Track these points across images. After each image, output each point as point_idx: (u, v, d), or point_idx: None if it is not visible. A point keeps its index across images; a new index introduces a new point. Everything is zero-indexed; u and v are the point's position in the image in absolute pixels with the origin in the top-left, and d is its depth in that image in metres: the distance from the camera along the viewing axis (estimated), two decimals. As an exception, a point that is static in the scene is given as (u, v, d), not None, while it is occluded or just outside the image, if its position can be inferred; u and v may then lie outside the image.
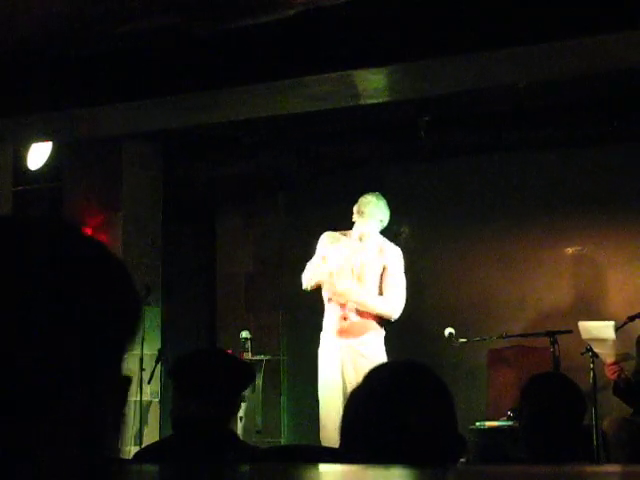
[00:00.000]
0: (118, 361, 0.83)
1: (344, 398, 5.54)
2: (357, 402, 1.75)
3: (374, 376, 1.79)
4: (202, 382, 2.81)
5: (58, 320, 0.77)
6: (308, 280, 5.87)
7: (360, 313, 5.76)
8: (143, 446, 4.70)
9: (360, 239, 5.84)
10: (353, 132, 6.75)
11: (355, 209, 5.85)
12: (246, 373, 3.05)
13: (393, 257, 5.83)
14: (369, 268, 5.80)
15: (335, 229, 6.00)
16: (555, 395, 2.89)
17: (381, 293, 5.81)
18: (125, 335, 0.84)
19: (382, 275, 5.81)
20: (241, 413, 6.20)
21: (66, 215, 6.92)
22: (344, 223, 5.94)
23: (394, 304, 5.74)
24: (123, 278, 0.85)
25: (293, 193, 7.44)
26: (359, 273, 5.79)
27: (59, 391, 0.76)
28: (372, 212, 5.81)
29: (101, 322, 0.79)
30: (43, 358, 0.75)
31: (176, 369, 2.96)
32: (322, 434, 5.67)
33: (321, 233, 6.04)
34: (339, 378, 5.69)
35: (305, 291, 5.94)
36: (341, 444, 1.75)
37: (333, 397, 5.67)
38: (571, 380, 3.00)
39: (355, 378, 5.47)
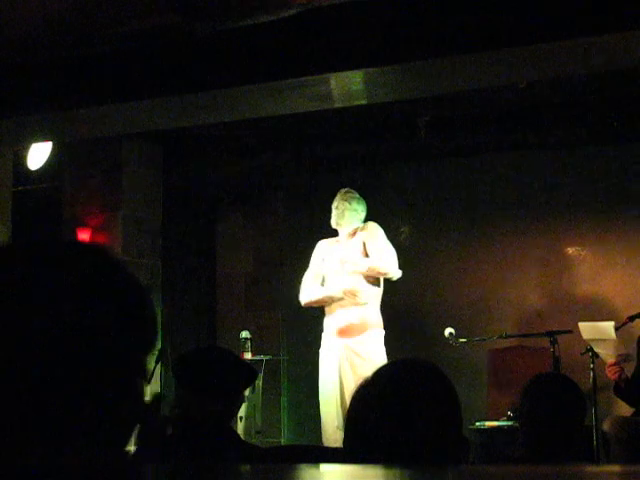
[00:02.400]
0: (126, 370, 0.90)
1: (341, 398, 5.55)
2: (363, 400, 1.74)
3: (381, 374, 1.77)
4: (203, 380, 2.81)
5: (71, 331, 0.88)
6: (307, 299, 5.98)
7: (361, 311, 5.76)
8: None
9: (353, 235, 5.94)
10: (353, 132, 6.75)
11: (335, 209, 5.93)
12: (248, 372, 3.05)
13: (368, 231, 5.92)
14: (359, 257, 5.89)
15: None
16: (556, 395, 2.88)
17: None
18: (133, 349, 0.92)
19: (365, 250, 5.89)
20: (241, 413, 6.20)
21: (66, 215, 6.92)
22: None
23: (386, 260, 5.81)
24: (131, 300, 0.94)
25: (293, 193, 7.44)
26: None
27: (72, 397, 0.83)
28: (351, 215, 5.93)
29: (105, 335, 0.89)
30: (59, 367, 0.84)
31: (178, 366, 2.95)
32: (323, 435, 5.67)
33: (321, 233, 6.06)
34: (337, 378, 5.69)
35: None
36: (345, 442, 1.74)
37: (331, 397, 5.69)
38: (572, 380, 3.00)
39: (352, 378, 5.48)
